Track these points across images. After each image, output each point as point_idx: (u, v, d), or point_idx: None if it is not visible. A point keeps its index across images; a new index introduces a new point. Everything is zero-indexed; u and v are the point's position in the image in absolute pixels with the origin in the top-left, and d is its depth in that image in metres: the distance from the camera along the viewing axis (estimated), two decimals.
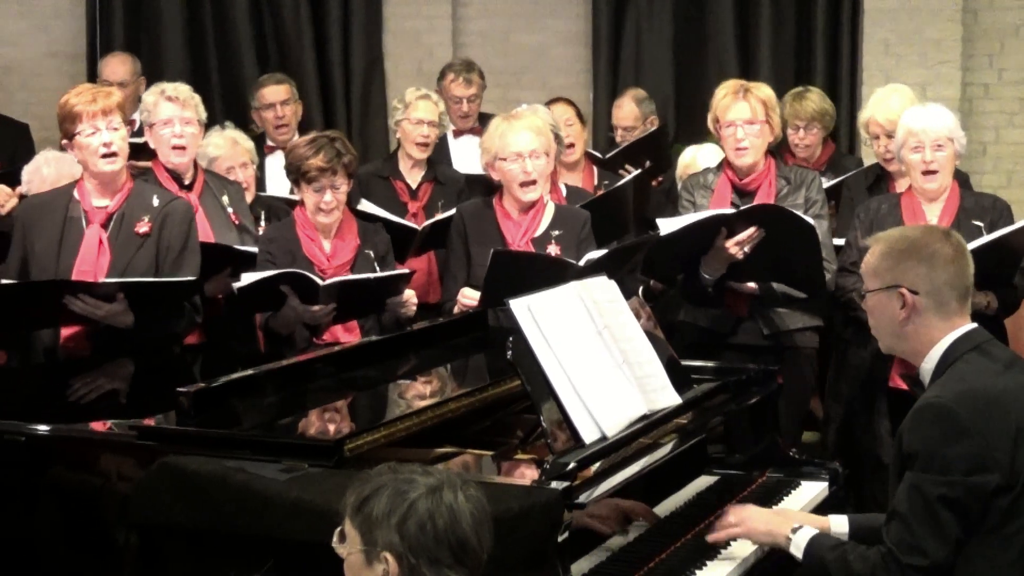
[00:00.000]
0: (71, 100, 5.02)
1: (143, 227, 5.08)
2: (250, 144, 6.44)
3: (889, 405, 5.53)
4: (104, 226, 5.06)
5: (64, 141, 5.09)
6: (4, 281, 4.91)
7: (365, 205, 6.07)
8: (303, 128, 7.54)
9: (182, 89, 5.78)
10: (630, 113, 8.01)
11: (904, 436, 3.51)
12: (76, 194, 5.11)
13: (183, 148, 5.68)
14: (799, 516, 3.94)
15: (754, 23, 9.05)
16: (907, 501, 3.46)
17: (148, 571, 3.72)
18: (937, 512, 3.42)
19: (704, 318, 5.76)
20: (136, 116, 7.78)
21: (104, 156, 5.00)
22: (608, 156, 7.49)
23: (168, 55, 9.24)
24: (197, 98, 5.83)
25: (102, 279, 4.95)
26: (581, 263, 5.19)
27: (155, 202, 5.15)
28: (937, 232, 3.75)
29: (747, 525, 3.81)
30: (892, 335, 3.69)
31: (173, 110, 5.66)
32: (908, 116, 5.65)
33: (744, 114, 5.68)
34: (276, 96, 7.58)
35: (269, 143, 7.52)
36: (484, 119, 7.43)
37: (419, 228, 6.19)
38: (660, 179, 7.51)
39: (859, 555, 3.55)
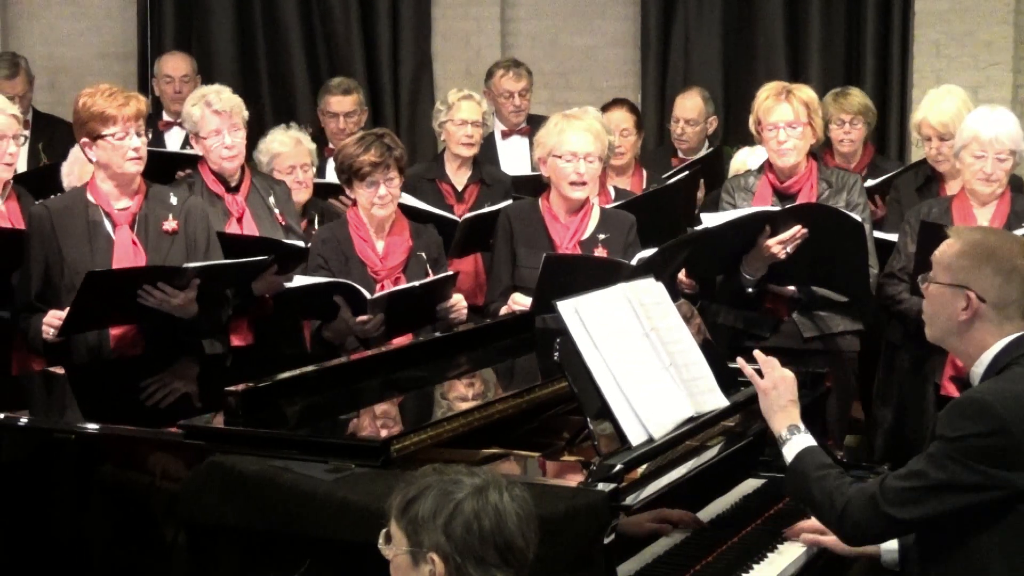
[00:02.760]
0: (99, 102, 4.99)
1: (169, 225, 5.10)
2: (312, 146, 6.47)
3: (938, 411, 5.49)
4: (130, 227, 5.07)
5: (84, 140, 5.06)
6: (98, 269, 4.89)
7: (406, 199, 6.06)
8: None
9: (225, 97, 5.75)
10: (695, 106, 7.96)
11: (940, 422, 3.52)
12: (91, 197, 5.09)
13: (234, 156, 5.71)
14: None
15: (804, 25, 9.02)
16: (919, 462, 3.47)
17: (197, 569, 3.74)
18: (940, 485, 3.42)
19: (742, 320, 5.75)
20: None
21: (131, 159, 5.02)
22: (666, 176, 7.32)
23: (218, 56, 9.30)
24: (239, 101, 5.84)
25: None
26: (633, 262, 5.19)
27: (173, 200, 5.18)
28: (1021, 245, 3.68)
29: (765, 398, 3.81)
30: (945, 330, 3.67)
31: (220, 121, 5.67)
32: (976, 121, 5.57)
33: (786, 116, 5.67)
34: (340, 107, 7.61)
35: (330, 146, 7.53)
36: (533, 121, 7.45)
37: (459, 220, 6.19)
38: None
39: (839, 485, 3.56)
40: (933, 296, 3.68)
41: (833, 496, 3.55)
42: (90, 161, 5.15)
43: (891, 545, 3.81)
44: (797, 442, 3.70)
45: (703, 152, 7.96)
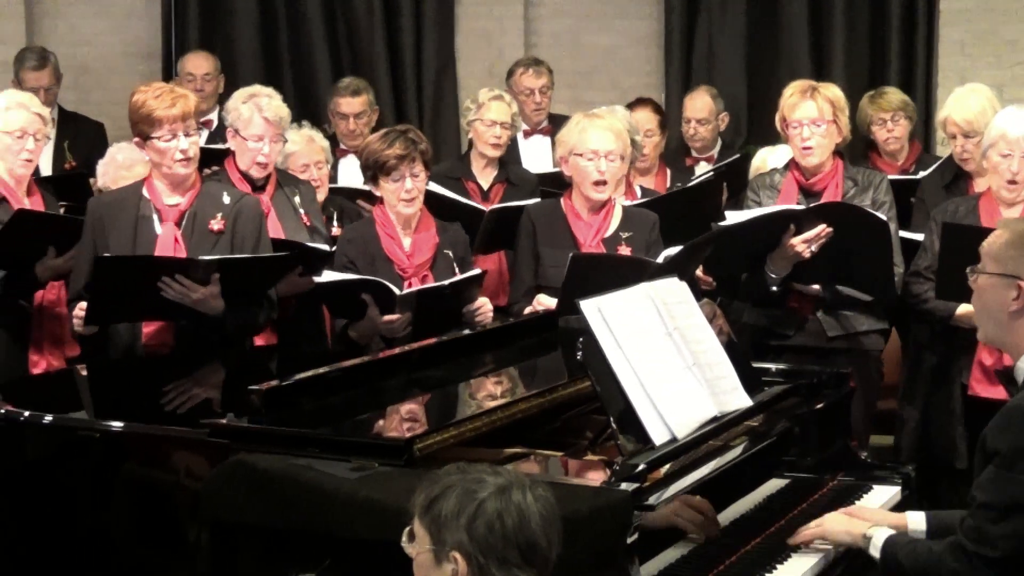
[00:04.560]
0: (149, 102, 5.01)
1: (216, 224, 5.11)
2: (325, 143, 6.46)
3: (965, 411, 5.47)
4: (177, 224, 5.09)
5: (136, 140, 5.11)
6: (107, 254, 4.92)
7: (433, 187, 6.01)
8: (377, 128, 7.54)
9: (276, 105, 5.75)
10: (705, 105, 7.96)
11: (989, 435, 3.51)
12: (146, 192, 5.12)
13: (266, 165, 5.73)
14: (877, 514, 3.94)
15: (828, 23, 8.99)
16: (984, 493, 3.47)
17: (220, 567, 3.75)
18: (1012, 509, 3.41)
19: (767, 319, 5.73)
20: (213, 116, 7.89)
21: (180, 160, 5.04)
22: (688, 187, 7.25)
23: (242, 55, 9.31)
24: (287, 113, 5.85)
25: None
26: (659, 260, 5.18)
27: (226, 199, 5.18)
28: None
29: (825, 526, 3.82)
30: (997, 323, 3.67)
31: (266, 129, 5.68)
32: (1005, 120, 5.52)
33: (810, 113, 5.65)
34: (350, 108, 7.63)
35: (342, 146, 7.56)
36: (555, 120, 7.44)
37: (487, 210, 6.18)
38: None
39: (929, 547, 3.58)
40: (982, 288, 3.67)
41: (927, 562, 3.57)
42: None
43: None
44: (877, 538, 3.72)
45: (716, 149, 7.96)
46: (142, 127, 5.03)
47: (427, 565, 2.91)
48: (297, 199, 5.80)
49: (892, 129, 7.26)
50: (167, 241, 5.05)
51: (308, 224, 5.77)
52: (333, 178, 6.88)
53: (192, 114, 5.07)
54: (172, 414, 4.43)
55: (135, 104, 5.06)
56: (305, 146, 6.26)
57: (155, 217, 5.09)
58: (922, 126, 8.61)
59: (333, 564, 3.51)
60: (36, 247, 5.42)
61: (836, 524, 3.82)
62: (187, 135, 5.03)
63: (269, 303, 5.20)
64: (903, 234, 5.82)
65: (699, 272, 5.74)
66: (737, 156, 7.63)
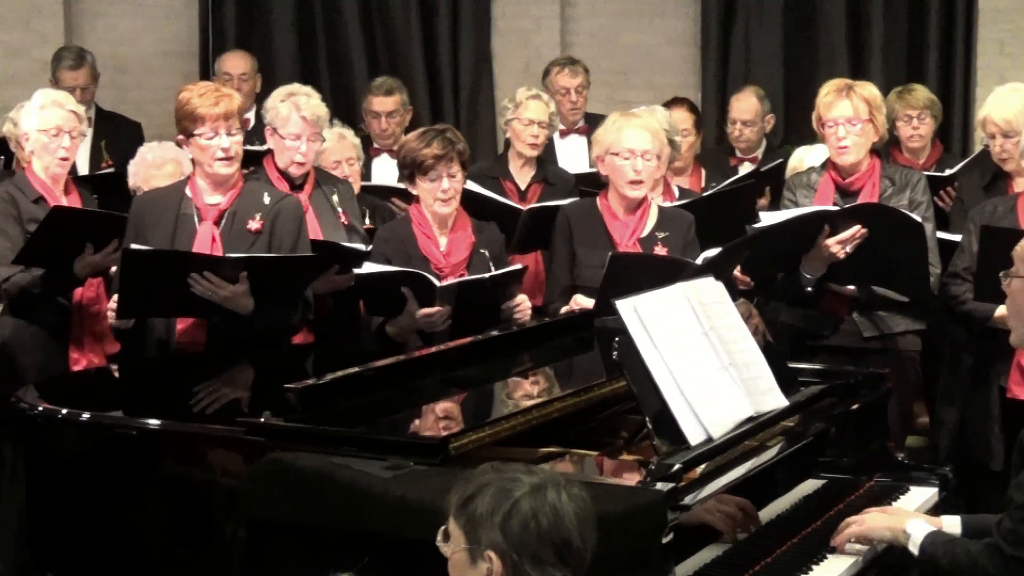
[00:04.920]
0: (193, 100, 5.03)
1: (255, 224, 5.12)
2: (357, 141, 6.48)
3: (1003, 413, 5.44)
4: (216, 223, 5.10)
5: (180, 137, 5.13)
6: (134, 246, 4.93)
7: (470, 184, 6.02)
8: (412, 127, 7.56)
9: (314, 104, 5.77)
10: (751, 107, 7.94)
11: None
12: (188, 191, 5.14)
13: (304, 164, 5.74)
14: (913, 516, 3.92)
15: (865, 23, 8.96)
16: (1021, 494, 3.44)
17: (256, 565, 3.76)
18: None
19: (802, 319, 5.71)
20: (250, 115, 7.91)
21: (221, 159, 5.05)
22: (725, 185, 7.22)
23: (279, 55, 9.34)
24: (326, 112, 5.87)
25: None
26: (698, 262, 5.17)
27: (266, 200, 5.18)
28: None
29: (866, 524, 3.81)
30: None
31: (303, 128, 5.69)
32: None
33: (846, 112, 5.63)
34: (382, 107, 7.64)
35: (375, 146, 7.58)
36: (591, 120, 7.43)
37: (524, 209, 6.17)
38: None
39: (967, 548, 3.57)
40: (1016, 291, 3.64)
41: (964, 563, 3.56)
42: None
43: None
44: (916, 535, 3.72)
45: (761, 151, 7.93)
46: (185, 124, 5.04)
47: (462, 564, 2.91)
48: (335, 198, 5.81)
49: (918, 127, 7.23)
50: (204, 240, 5.06)
51: (346, 223, 5.78)
52: (367, 177, 6.88)
53: (235, 114, 5.08)
54: (208, 412, 4.45)
55: (180, 102, 5.08)
56: (336, 143, 6.29)
57: (195, 216, 5.11)
58: (961, 125, 8.58)
59: (370, 562, 3.52)
60: (74, 244, 5.45)
61: (877, 521, 3.83)
62: (229, 134, 5.04)
63: (304, 304, 5.19)
64: (941, 235, 5.80)
65: (736, 272, 5.74)
66: (780, 161, 7.61)
